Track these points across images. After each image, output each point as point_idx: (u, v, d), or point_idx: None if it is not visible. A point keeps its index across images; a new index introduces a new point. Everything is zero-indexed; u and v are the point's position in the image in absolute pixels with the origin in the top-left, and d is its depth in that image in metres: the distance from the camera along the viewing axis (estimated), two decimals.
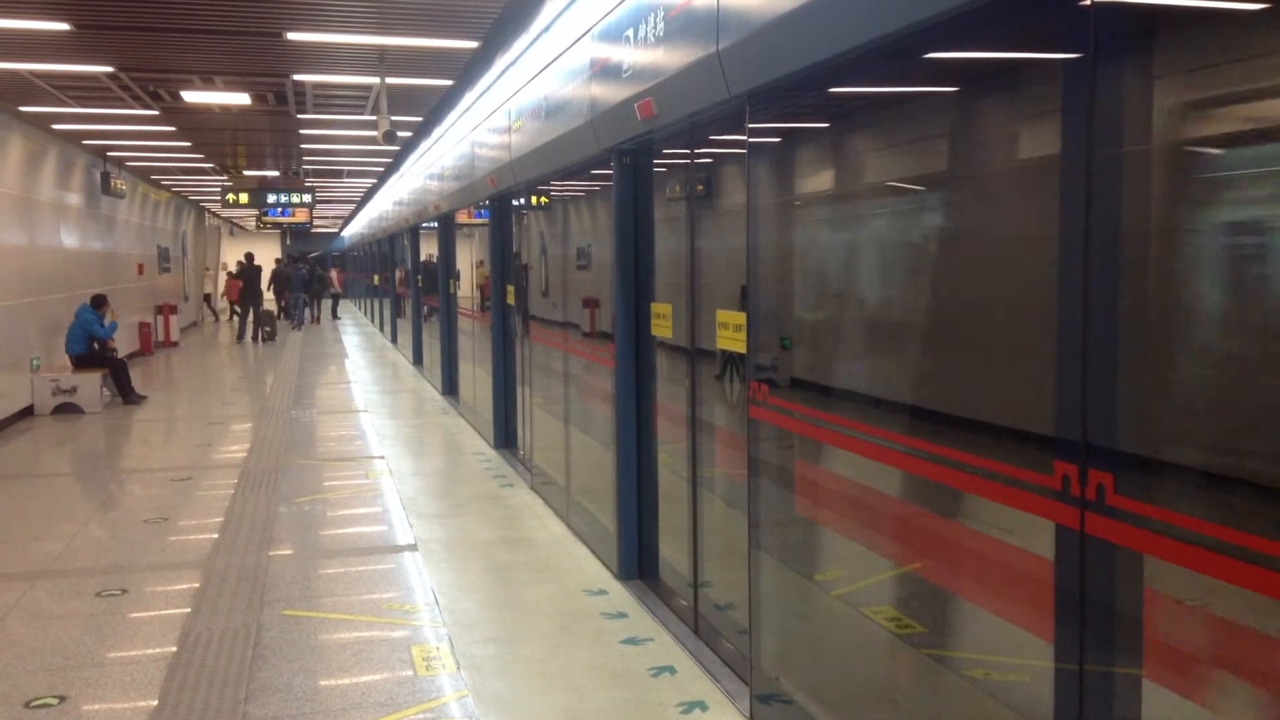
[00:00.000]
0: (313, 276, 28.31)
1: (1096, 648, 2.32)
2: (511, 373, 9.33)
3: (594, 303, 6.65)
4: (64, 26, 7.31)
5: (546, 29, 6.34)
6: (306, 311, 27.02)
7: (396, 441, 9.92)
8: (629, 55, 4.73)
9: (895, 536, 3.52)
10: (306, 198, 18.32)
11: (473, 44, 7.81)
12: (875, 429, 3.40)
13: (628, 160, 5.51)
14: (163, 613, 5.24)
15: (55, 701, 4.18)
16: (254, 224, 25.61)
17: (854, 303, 3.75)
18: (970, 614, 3.21)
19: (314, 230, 34.34)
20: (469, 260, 12.94)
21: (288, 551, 6.22)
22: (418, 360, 16.74)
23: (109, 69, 8.93)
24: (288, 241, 43.69)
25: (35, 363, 11.94)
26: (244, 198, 17.83)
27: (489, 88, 8.51)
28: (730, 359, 4.80)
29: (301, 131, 13.19)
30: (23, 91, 10.12)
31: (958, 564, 3.21)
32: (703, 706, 4.04)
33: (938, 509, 3.20)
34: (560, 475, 7.04)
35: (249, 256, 23.26)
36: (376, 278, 26.51)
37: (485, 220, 10.24)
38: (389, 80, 9.12)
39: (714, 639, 4.67)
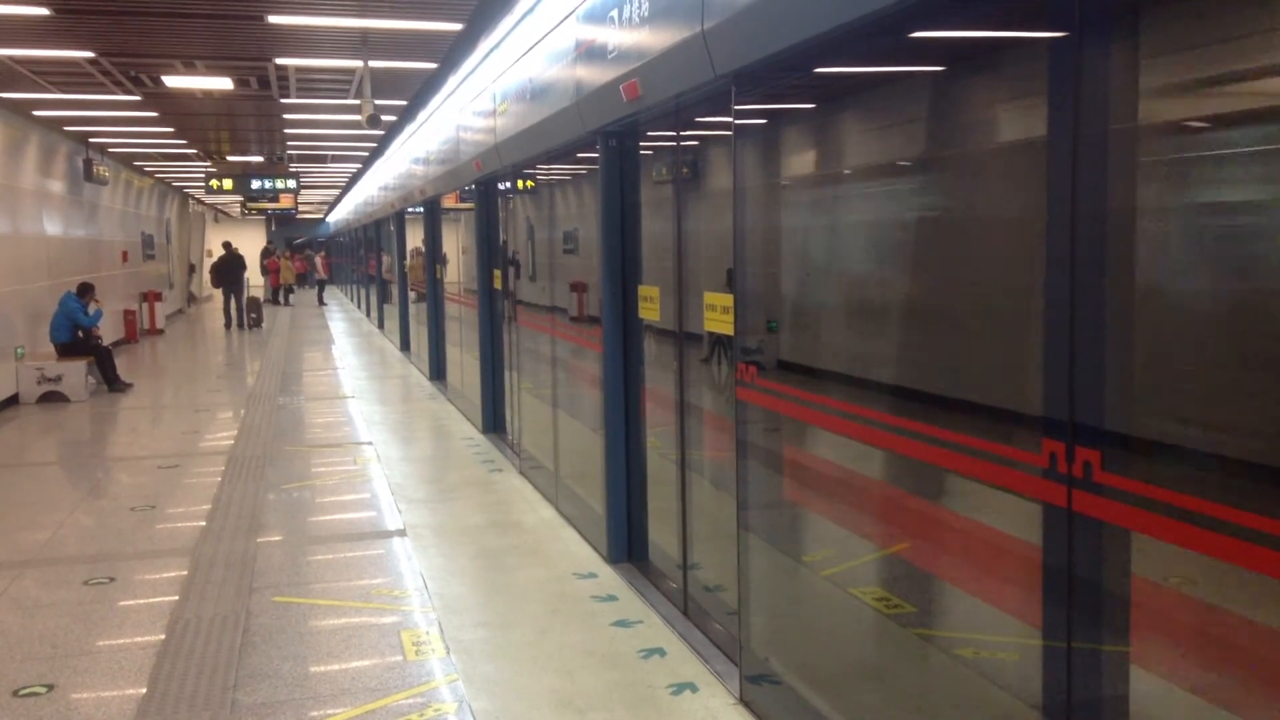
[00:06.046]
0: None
1: (1084, 625, 2.33)
2: (499, 358, 9.31)
3: (582, 287, 6.63)
4: (43, 11, 7.22)
5: (530, 10, 6.29)
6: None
7: (385, 427, 9.90)
8: (614, 36, 4.70)
9: (883, 516, 3.53)
10: (291, 183, 18.19)
11: (456, 26, 7.76)
12: (863, 409, 3.40)
13: (614, 142, 5.48)
14: (151, 600, 5.23)
15: (43, 690, 4.16)
16: (239, 210, 25.49)
17: (841, 285, 3.75)
18: (958, 593, 3.23)
19: (299, 216, 34.18)
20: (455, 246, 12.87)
21: (276, 538, 6.20)
22: (405, 346, 16.70)
23: (89, 54, 8.84)
24: (272, 228, 43.46)
25: (20, 351, 11.86)
26: (228, 184, 17.68)
27: (473, 70, 8.45)
28: (718, 342, 4.80)
29: (285, 116, 13.09)
30: (2, 77, 10.01)
31: (946, 543, 3.22)
32: (693, 688, 4.05)
33: (925, 488, 3.21)
34: (549, 459, 7.04)
35: (227, 245, 23.14)
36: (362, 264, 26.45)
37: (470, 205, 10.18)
38: (372, 64, 9.05)
39: (703, 621, 4.68)
